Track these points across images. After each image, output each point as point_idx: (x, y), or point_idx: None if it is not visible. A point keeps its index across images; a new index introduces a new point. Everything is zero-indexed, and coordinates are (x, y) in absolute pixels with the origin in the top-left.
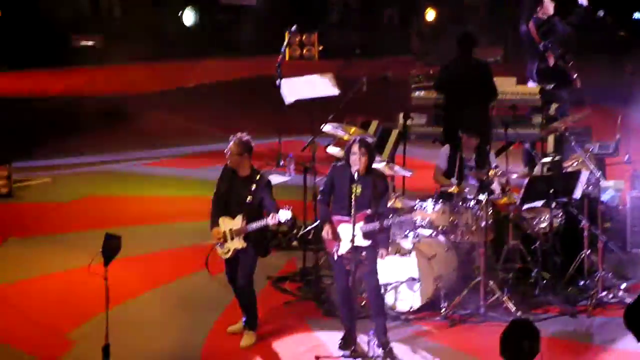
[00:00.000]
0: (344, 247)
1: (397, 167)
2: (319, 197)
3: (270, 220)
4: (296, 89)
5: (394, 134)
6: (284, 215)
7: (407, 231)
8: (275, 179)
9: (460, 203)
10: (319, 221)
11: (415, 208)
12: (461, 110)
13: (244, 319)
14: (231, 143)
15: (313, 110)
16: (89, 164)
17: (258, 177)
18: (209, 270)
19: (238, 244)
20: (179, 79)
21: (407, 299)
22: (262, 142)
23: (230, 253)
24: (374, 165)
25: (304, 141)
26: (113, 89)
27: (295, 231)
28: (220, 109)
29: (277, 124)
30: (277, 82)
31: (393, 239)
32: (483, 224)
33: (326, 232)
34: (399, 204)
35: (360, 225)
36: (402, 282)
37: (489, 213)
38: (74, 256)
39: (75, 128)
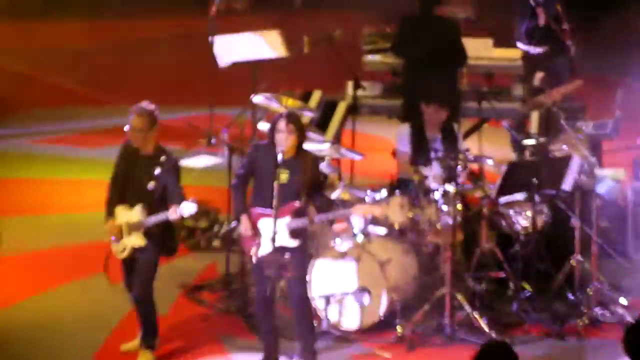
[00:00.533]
0: (264, 248)
1: (344, 149)
2: (233, 181)
3: (171, 214)
4: (233, 48)
5: (341, 107)
6: (188, 208)
7: (354, 229)
8: (204, 160)
9: (422, 195)
10: (234, 213)
11: (366, 199)
12: (424, 78)
13: (140, 335)
14: (133, 115)
15: (254, 75)
16: None
17: (163, 158)
18: (108, 275)
19: (135, 240)
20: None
21: (354, 315)
22: (186, 114)
23: (126, 252)
24: (308, 147)
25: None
26: None
27: (217, 228)
28: (136, 73)
29: (208, 92)
30: (210, 39)
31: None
32: (450, 221)
33: (244, 227)
34: (346, 196)
35: (285, 220)
36: (347, 294)
37: (458, 208)
38: None
39: None
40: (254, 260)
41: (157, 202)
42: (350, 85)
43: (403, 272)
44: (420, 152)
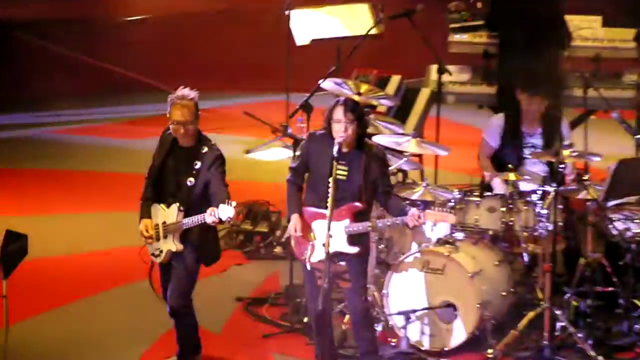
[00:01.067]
0: (318, 253)
1: (426, 143)
2: (287, 176)
3: (208, 216)
4: (313, 24)
5: (424, 94)
6: (225, 212)
7: (438, 236)
8: (277, 153)
9: (518, 197)
10: (286, 211)
11: (451, 203)
12: (522, 61)
13: (177, 353)
14: (175, 107)
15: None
16: None
17: (205, 150)
18: (153, 283)
19: (172, 245)
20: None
21: (439, 335)
22: (257, 99)
23: (162, 256)
24: (381, 139)
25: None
26: None
27: (278, 233)
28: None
29: (285, 75)
30: (286, 12)
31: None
32: (550, 227)
33: (293, 228)
34: (428, 197)
35: (344, 223)
36: (431, 310)
37: (560, 212)
38: None
39: None
40: (307, 267)
41: (197, 201)
42: (433, 69)
43: (495, 285)
44: (512, 147)
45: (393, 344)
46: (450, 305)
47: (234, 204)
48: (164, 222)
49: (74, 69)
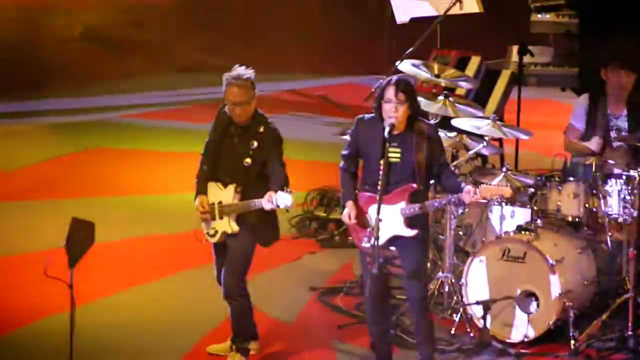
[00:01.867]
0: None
1: (507, 127)
2: (340, 163)
3: (265, 203)
4: (414, 2)
5: (504, 76)
6: (283, 200)
7: (519, 223)
8: None
9: (601, 182)
10: (342, 198)
11: (536, 188)
12: (607, 40)
13: (231, 337)
14: (231, 86)
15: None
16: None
17: (262, 129)
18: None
19: (227, 226)
20: None
21: (520, 325)
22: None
23: (217, 236)
24: (458, 122)
25: None
26: None
27: None
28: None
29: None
30: None
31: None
32: (635, 214)
33: (347, 216)
34: (513, 183)
35: (400, 205)
36: (511, 300)
37: None
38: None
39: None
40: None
41: (255, 181)
42: (514, 50)
43: (578, 274)
44: (593, 130)
45: (472, 334)
46: (531, 295)
47: (291, 192)
48: (220, 202)
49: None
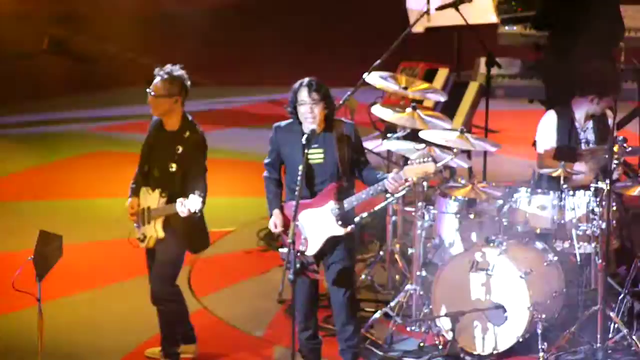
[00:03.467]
0: (313, 244)
1: (475, 139)
2: (264, 172)
3: (179, 206)
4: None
5: (472, 88)
6: (192, 203)
7: (487, 235)
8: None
9: (570, 193)
10: (269, 208)
11: (505, 200)
12: (575, 53)
13: (160, 342)
14: (157, 80)
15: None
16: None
17: (187, 134)
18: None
19: (154, 231)
20: None
21: (488, 338)
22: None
23: (146, 241)
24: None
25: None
26: None
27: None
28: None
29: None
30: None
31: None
32: (603, 225)
33: (273, 224)
34: (481, 195)
35: (329, 206)
36: (480, 312)
37: (613, 210)
38: None
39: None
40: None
41: (181, 186)
42: (482, 62)
43: (546, 286)
44: (567, 143)
45: (440, 347)
46: (499, 307)
47: (200, 194)
48: (148, 207)
49: None
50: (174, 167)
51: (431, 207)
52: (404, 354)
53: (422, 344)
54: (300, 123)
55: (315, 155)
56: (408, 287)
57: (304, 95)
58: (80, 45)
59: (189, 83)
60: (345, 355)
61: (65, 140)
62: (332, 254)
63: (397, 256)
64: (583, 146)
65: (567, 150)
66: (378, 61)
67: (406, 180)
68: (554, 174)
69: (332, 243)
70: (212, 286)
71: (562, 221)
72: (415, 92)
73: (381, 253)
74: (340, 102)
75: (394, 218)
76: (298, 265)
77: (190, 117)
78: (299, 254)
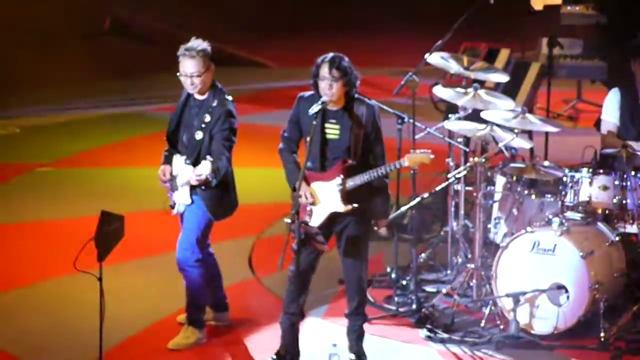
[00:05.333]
0: (317, 216)
1: (536, 118)
2: (280, 145)
3: (195, 172)
4: None
5: (534, 68)
6: (201, 168)
7: (548, 215)
8: None
9: (633, 174)
10: (287, 178)
11: (564, 180)
12: (635, 32)
13: (185, 309)
14: (183, 59)
15: None
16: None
17: (215, 104)
18: (254, 270)
19: (181, 197)
20: None
21: (549, 317)
22: None
23: (176, 208)
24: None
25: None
26: None
27: None
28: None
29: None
30: None
31: (527, 225)
32: None
33: (307, 194)
34: (542, 175)
35: (337, 182)
36: (541, 292)
37: None
38: None
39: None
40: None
41: (207, 154)
42: (544, 42)
43: (608, 266)
44: (630, 122)
45: (501, 327)
46: (561, 287)
47: (210, 159)
48: (177, 174)
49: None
50: (200, 134)
51: (492, 187)
52: (465, 334)
53: (483, 324)
54: (320, 96)
55: (332, 131)
56: (469, 267)
57: (325, 71)
58: (142, 25)
59: (210, 50)
60: (349, 335)
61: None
62: (343, 226)
63: (458, 237)
64: None
65: (630, 129)
66: (440, 41)
67: (409, 167)
68: (617, 154)
69: (340, 217)
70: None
71: (624, 201)
72: (477, 73)
73: (442, 233)
74: (402, 82)
75: (455, 198)
76: (303, 236)
77: (219, 86)
78: (303, 224)
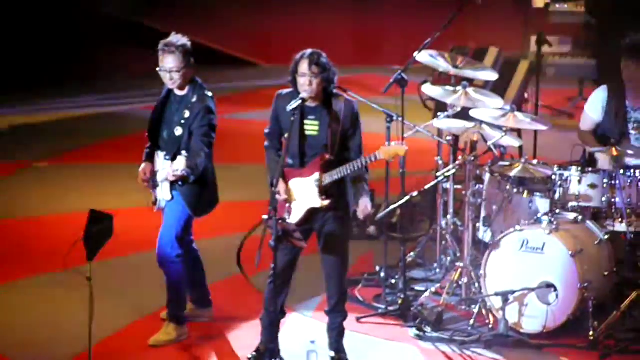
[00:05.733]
0: (296, 213)
1: (524, 116)
2: (265, 143)
3: (171, 170)
4: None
5: (522, 67)
6: (177, 164)
7: (538, 214)
8: None
9: (621, 173)
10: (269, 176)
11: (552, 178)
12: (625, 30)
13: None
14: (162, 50)
15: None
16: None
17: (194, 100)
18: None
19: (162, 193)
20: None
21: (539, 316)
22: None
23: (158, 204)
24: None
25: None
26: None
27: (372, 211)
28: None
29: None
30: None
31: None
32: None
33: (282, 191)
34: (527, 173)
35: (314, 177)
36: (530, 291)
37: None
38: None
39: None
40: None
41: (186, 150)
42: (533, 40)
43: (597, 265)
44: (615, 121)
45: (491, 326)
46: (550, 286)
47: (185, 154)
48: (157, 171)
49: None
50: (179, 130)
51: (481, 186)
52: (454, 333)
53: (472, 323)
54: (299, 93)
55: (311, 127)
56: (458, 265)
57: (304, 67)
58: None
59: (190, 46)
60: (329, 332)
61: None
62: (322, 223)
63: (447, 235)
64: (631, 126)
65: (613, 128)
66: (429, 39)
67: (378, 159)
68: (603, 154)
69: (320, 212)
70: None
71: (613, 200)
72: (466, 71)
73: (431, 232)
74: (391, 80)
75: (444, 197)
76: (280, 233)
77: (200, 82)
78: (280, 221)
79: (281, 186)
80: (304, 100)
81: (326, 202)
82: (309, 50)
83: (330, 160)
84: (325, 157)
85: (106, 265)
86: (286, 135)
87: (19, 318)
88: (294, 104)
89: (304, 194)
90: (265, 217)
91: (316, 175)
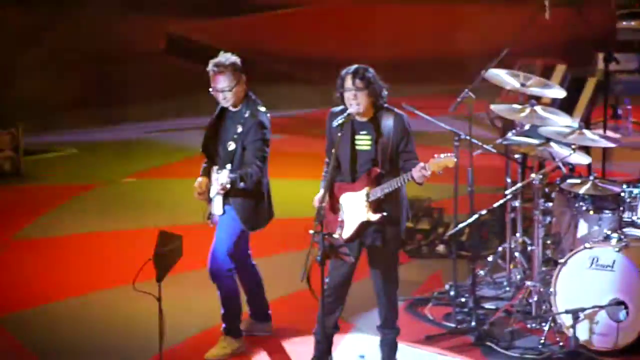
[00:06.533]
0: (347, 228)
1: (593, 134)
2: (325, 158)
3: (218, 184)
4: None
5: (590, 84)
6: (221, 177)
7: (607, 231)
8: None
9: None
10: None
11: (622, 195)
12: None
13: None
14: (212, 70)
15: None
16: None
17: (247, 115)
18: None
19: (216, 207)
20: None
21: (609, 333)
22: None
23: (212, 219)
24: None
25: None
26: None
27: (441, 230)
28: None
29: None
30: None
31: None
32: None
33: (317, 200)
34: (600, 190)
35: (364, 191)
36: (600, 308)
37: None
38: None
39: None
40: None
41: (239, 165)
42: (600, 58)
43: None
44: None
45: (561, 343)
46: (620, 303)
47: (228, 167)
48: (212, 185)
49: None
50: (232, 145)
51: (550, 204)
52: (524, 351)
53: (542, 341)
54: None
55: (362, 142)
56: (528, 283)
57: (349, 82)
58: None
59: (239, 63)
60: (381, 347)
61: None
62: (372, 239)
63: (516, 253)
64: None
65: None
66: (496, 58)
67: (433, 171)
68: None
69: (373, 227)
70: None
71: None
72: (534, 89)
73: (500, 250)
74: (458, 99)
75: (512, 215)
76: (327, 248)
77: (253, 97)
78: (327, 235)
79: (320, 195)
80: (349, 115)
81: (376, 217)
82: (354, 66)
83: (381, 174)
84: (376, 172)
85: (171, 280)
86: (333, 151)
87: (81, 332)
88: (340, 120)
89: (355, 208)
90: (312, 232)
91: (366, 189)
